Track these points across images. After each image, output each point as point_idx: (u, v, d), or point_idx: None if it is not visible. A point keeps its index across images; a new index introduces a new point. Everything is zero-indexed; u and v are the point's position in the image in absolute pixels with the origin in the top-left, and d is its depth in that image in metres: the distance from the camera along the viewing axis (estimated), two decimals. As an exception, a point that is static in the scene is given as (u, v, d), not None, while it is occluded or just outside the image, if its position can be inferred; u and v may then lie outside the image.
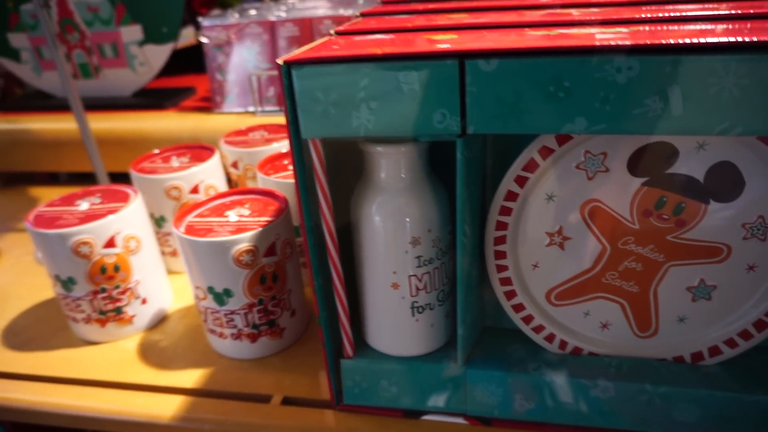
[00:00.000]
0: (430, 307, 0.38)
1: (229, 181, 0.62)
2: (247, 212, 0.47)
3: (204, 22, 0.74)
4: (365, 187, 0.36)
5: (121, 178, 0.66)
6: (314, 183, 0.34)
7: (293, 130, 0.32)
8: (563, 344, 0.39)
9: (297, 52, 0.32)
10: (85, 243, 0.46)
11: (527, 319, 0.38)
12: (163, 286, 0.53)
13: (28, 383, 0.47)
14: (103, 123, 0.80)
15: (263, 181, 0.53)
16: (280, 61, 0.30)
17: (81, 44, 0.85)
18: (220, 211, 0.47)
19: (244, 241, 0.42)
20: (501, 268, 0.37)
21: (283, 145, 0.60)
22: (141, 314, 0.51)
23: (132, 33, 0.82)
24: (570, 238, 0.36)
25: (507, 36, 0.31)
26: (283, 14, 0.73)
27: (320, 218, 0.35)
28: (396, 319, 0.38)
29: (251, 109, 0.78)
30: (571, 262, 0.36)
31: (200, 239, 0.42)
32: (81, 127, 0.65)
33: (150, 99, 0.85)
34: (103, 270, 0.47)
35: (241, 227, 0.44)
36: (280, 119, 0.74)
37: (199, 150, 0.62)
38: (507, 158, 0.34)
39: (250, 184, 0.61)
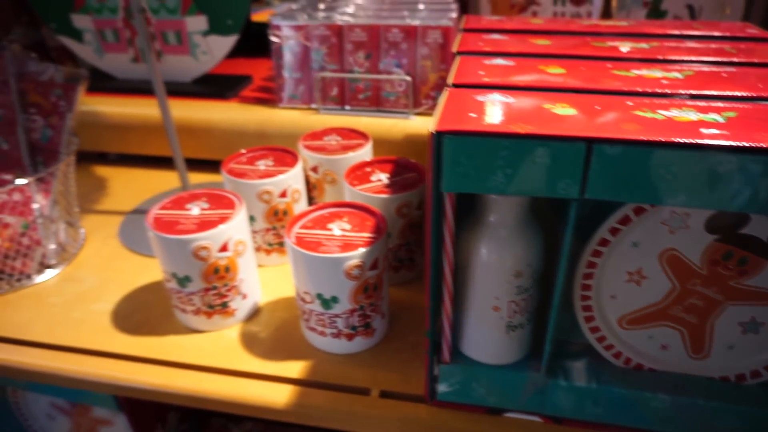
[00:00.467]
0: (521, 326, 0.45)
1: (308, 183, 0.68)
2: (348, 226, 0.53)
3: (273, 20, 0.78)
4: (477, 226, 0.43)
5: (191, 164, 0.71)
6: (442, 226, 0.40)
7: (435, 184, 0.38)
8: (628, 360, 0.46)
9: (441, 114, 0.37)
10: (204, 248, 0.52)
11: (600, 339, 0.46)
12: (257, 282, 0.60)
13: (147, 366, 0.54)
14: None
15: (350, 192, 0.59)
16: (432, 129, 0.36)
17: (145, 30, 0.88)
18: (322, 223, 0.53)
19: (355, 257, 0.48)
20: (585, 298, 0.44)
21: (359, 154, 0.65)
22: (241, 308, 0.58)
23: (197, 23, 0.85)
24: (646, 278, 0.42)
25: (623, 114, 0.36)
26: (351, 19, 0.77)
27: (443, 254, 0.41)
28: (492, 335, 0.45)
29: (314, 106, 0.82)
30: (644, 296, 0.43)
31: (317, 255, 0.48)
32: (164, 115, 0.69)
33: (210, 87, 0.89)
34: (216, 271, 0.53)
35: (348, 242, 0.50)
36: (341, 118, 0.79)
37: (281, 153, 0.67)
38: (600, 210, 0.41)
39: (328, 188, 0.67)
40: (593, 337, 0.46)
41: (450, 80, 0.44)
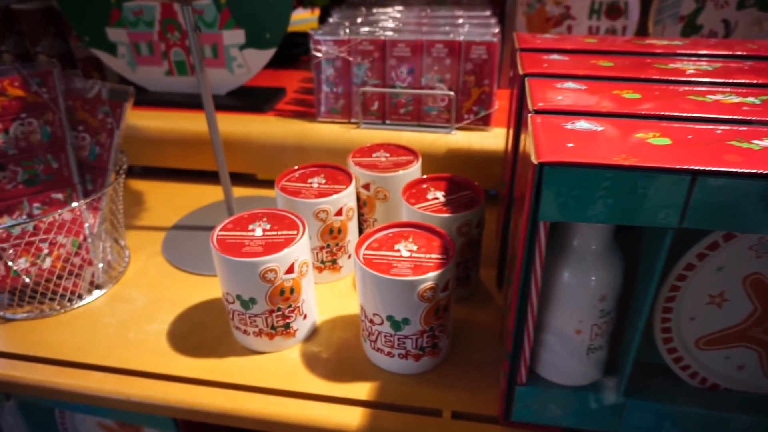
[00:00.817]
0: (600, 348, 0.45)
1: (358, 200, 0.68)
2: (414, 247, 0.53)
3: (315, 35, 0.78)
4: (561, 250, 0.43)
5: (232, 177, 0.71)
6: (534, 254, 0.40)
7: (532, 212, 0.38)
8: (704, 380, 0.47)
9: (537, 143, 0.38)
10: (271, 270, 0.52)
11: (677, 360, 0.46)
12: (315, 302, 0.60)
13: (210, 388, 0.54)
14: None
15: (409, 211, 0.59)
16: (535, 160, 0.36)
17: (181, 43, 0.87)
18: (388, 244, 0.53)
19: (429, 280, 0.48)
20: (665, 320, 0.44)
21: (410, 172, 0.66)
22: (302, 328, 0.57)
23: (234, 36, 0.85)
24: (728, 300, 0.43)
25: (719, 145, 0.37)
26: (394, 34, 0.77)
27: (531, 278, 0.41)
28: (572, 357, 0.45)
29: (354, 120, 0.82)
30: (723, 318, 0.44)
31: (392, 278, 0.48)
32: (210, 129, 0.68)
33: (246, 100, 0.89)
34: (282, 292, 0.53)
35: (418, 264, 0.50)
36: (382, 133, 0.80)
37: (332, 170, 0.67)
38: (684, 234, 0.41)
39: (379, 205, 0.67)
40: (670, 357, 0.46)
41: (531, 105, 0.44)
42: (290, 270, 0.53)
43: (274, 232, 0.55)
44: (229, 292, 0.54)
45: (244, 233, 0.55)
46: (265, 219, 0.57)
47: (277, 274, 0.52)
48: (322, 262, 0.65)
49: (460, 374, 0.54)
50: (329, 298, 0.64)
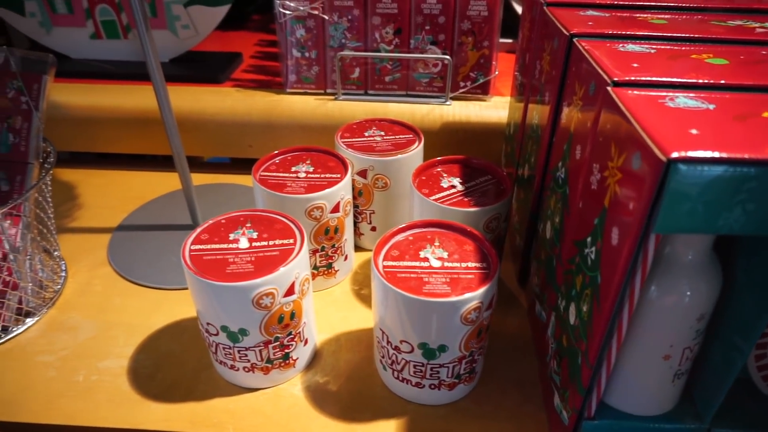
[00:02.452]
0: (687, 372, 0.38)
1: (353, 189, 0.56)
2: (444, 254, 0.43)
3: (282, -12, 0.64)
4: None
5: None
6: (635, 272, 0.31)
7: (644, 222, 0.29)
8: (793, 398, 0.40)
9: (650, 131, 0.28)
10: (268, 294, 0.40)
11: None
12: (315, 321, 0.49)
13: (194, 442, 0.43)
14: (150, 96, 0.69)
15: (423, 204, 0.49)
16: (662, 157, 0.26)
17: (108, -1, 0.71)
18: (412, 251, 0.43)
19: (473, 299, 0.39)
20: (761, 346, 0.37)
21: (413, 154, 0.55)
22: (302, 355, 0.47)
23: (176, -10, 0.70)
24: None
25: None
26: (378, -14, 0.64)
27: (625, 302, 0.33)
28: (655, 384, 0.38)
29: (331, 90, 0.70)
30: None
31: (428, 299, 0.38)
32: (161, 104, 0.54)
33: (195, 69, 0.74)
34: (281, 319, 0.42)
35: (456, 277, 0.40)
36: (364, 105, 0.68)
37: (318, 154, 0.55)
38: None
39: (378, 194, 0.56)
40: (760, 375, 0.39)
41: (606, 75, 0.35)
42: (290, 291, 0.42)
43: (264, 243, 0.43)
44: (211, 323, 0.42)
45: (226, 246, 0.43)
46: (249, 224, 0.45)
47: (275, 298, 0.41)
48: (315, 267, 0.54)
49: (499, 399, 0.45)
50: (326, 310, 0.54)
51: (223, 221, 0.46)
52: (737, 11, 0.50)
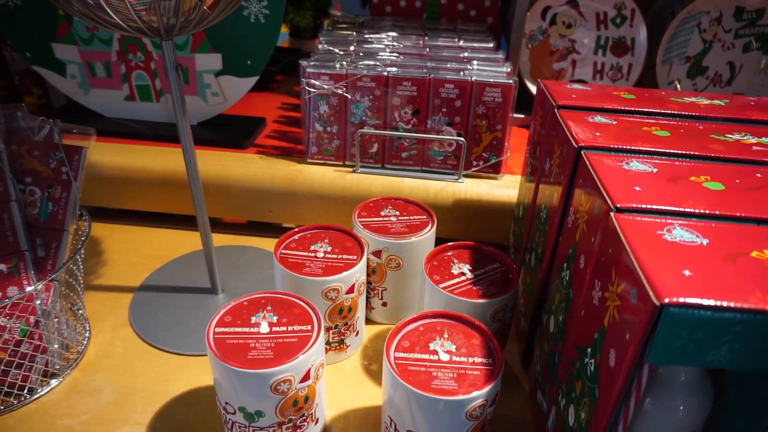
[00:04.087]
0: (680, 481, 0.40)
1: (367, 267, 0.59)
2: (452, 347, 0.45)
3: (308, 67, 0.68)
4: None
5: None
6: (629, 398, 0.34)
7: (641, 353, 0.31)
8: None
9: (645, 269, 0.31)
10: (285, 381, 0.43)
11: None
12: (326, 400, 0.51)
13: None
14: (175, 158, 0.72)
15: (433, 292, 0.51)
16: (656, 301, 0.29)
17: (145, 66, 0.75)
18: (422, 343, 0.45)
19: (479, 398, 0.41)
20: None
21: (426, 237, 0.58)
22: (313, 434, 0.49)
23: (209, 61, 0.74)
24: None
25: None
26: (398, 71, 0.68)
27: (620, 421, 0.35)
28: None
29: (349, 163, 0.73)
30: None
31: (436, 396, 0.40)
32: (189, 167, 0.56)
33: (222, 133, 0.78)
34: (295, 403, 0.45)
35: (462, 373, 0.42)
36: (381, 179, 0.71)
37: (336, 233, 0.58)
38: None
39: (391, 273, 0.59)
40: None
41: (611, 201, 0.37)
42: (306, 377, 0.44)
43: (284, 328, 0.46)
44: (230, 403, 0.45)
45: (248, 330, 0.46)
46: (269, 307, 0.48)
47: (292, 384, 0.43)
48: (328, 342, 0.56)
49: (500, 488, 0.47)
50: (336, 386, 0.56)
51: (245, 303, 0.48)
52: (736, 121, 0.53)
